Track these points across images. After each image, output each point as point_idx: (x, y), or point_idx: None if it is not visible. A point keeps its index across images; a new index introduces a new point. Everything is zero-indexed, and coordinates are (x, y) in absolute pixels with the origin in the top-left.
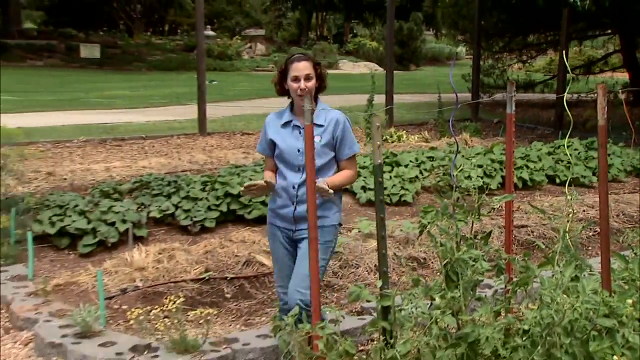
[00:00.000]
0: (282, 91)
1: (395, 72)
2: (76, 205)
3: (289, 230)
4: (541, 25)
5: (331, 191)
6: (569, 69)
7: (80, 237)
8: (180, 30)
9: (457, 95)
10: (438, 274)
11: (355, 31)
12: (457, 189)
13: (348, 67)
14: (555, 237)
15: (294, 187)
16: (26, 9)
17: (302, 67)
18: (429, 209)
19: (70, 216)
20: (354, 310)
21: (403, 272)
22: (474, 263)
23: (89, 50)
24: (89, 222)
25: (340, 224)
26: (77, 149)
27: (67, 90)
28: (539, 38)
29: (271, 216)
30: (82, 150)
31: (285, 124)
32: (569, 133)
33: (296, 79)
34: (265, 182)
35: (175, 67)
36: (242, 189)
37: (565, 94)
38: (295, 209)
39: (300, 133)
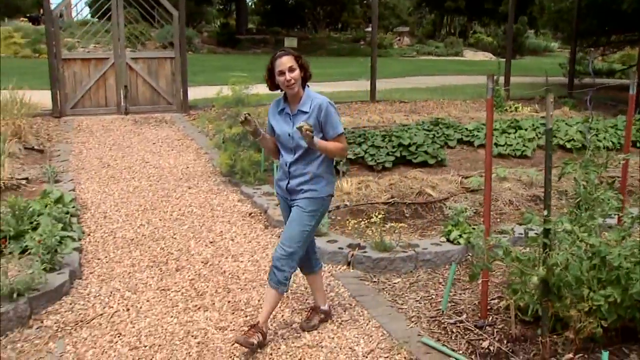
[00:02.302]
0: (273, 86)
1: (504, 59)
2: None
3: (286, 198)
4: (621, 27)
5: (311, 134)
6: None
7: None
8: (349, 27)
9: (594, 78)
10: (555, 209)
11: (474, 29)
12: (590, 148)
13: (470, 55)
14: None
15: (286, 165)
16: (250, 15)
17: (284, 61)
18: (569, 162)
19: None
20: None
21: (529, 205)
22: (609, 201)
23: (290, 42)
24: None
25: (330, 195)
26: None
27: None
28: (619, 37)
29: (276, 186)
30: None
31: (281, 112)
32: None
33: (281, 73)
34: (258, 130)
35: (346, 53)
36: (245, 114)
37: None
38: (288, 182)
39: (290, 119)
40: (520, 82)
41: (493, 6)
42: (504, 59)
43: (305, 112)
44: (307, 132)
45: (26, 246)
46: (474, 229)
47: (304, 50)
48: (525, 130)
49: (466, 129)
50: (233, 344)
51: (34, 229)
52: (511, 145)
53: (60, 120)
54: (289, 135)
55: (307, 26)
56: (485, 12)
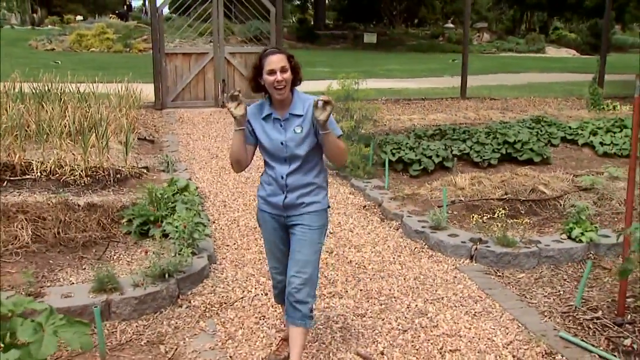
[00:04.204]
0: (257, 87)
1: (589, 56)
2: (407, 143)
3: (280, 217)
4: None
5: (332, 106)
6: None
7: (410, 165)
8: (427, 23)
9: None
10: None
11: (555, 25)
12: None
13: (552, 52)
14: None
15: (282, 177)
16: (327, 11)
17: (277, 60)
18: None
19: (404, 150)
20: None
21: None
22: None
23: (369, 37)
24: (415, 155)
25: (328, 207)
26: (382, 105)
27: (358, 65)
28: None
29: (262, 203)
30: (386, 106)
31: (266, 117)
32: None
33: (272, 72)
34: (242, 115)
35: (425, 49)
36: (233, 94)
37: None
38: (285, 197)
39: (281, 126)
40: (611, 80)
41: (576, 1)
42: (591, 56)
43: (299, 115)
44: (326, 104)
45: (165, 230)
46: (596, 227)
47: (382, 46)
48: (631, 129)
49: (570, 127)
50: (374, 330)
51: (170, 214)
52: (617, 144)
53: (162, 113)
54: (282, 143)
55: (384, 21)
56: (568, 7)
